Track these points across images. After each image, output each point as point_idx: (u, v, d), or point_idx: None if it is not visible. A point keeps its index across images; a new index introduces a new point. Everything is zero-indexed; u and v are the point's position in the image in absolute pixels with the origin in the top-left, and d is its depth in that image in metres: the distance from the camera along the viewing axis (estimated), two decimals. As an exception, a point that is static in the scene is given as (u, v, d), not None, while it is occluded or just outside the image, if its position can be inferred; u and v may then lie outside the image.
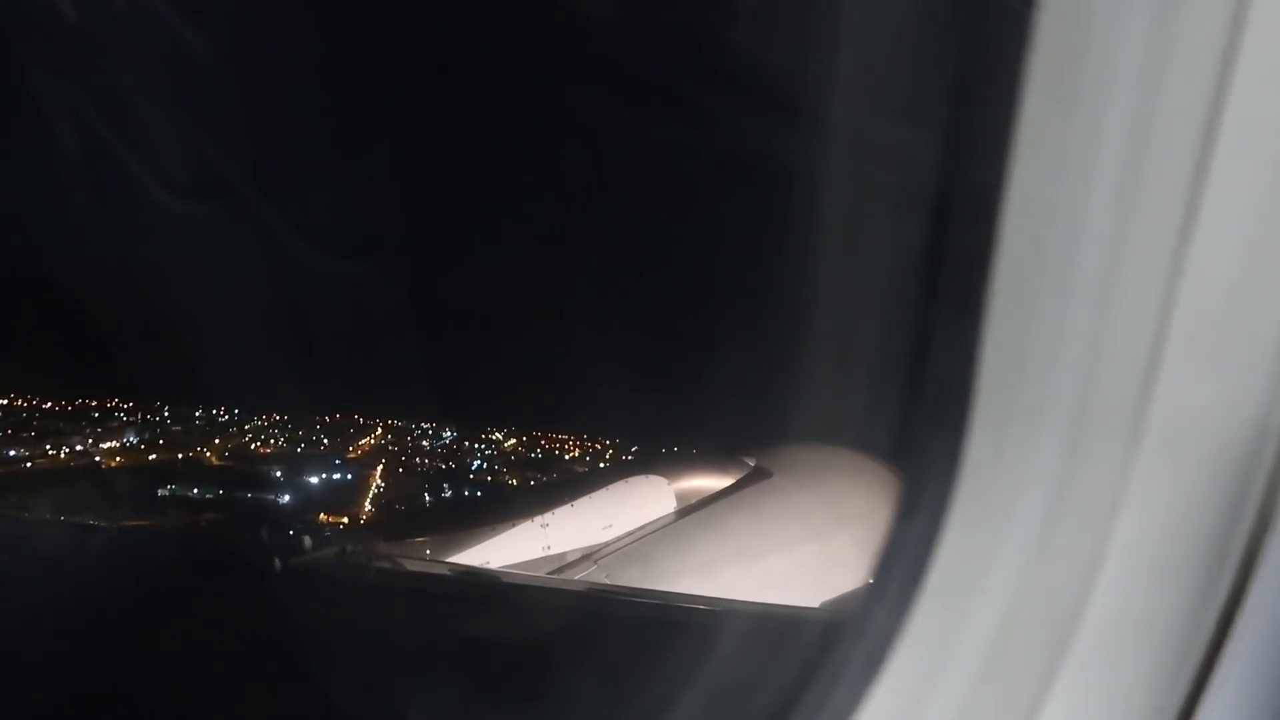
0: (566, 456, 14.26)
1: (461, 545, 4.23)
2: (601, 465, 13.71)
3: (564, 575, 4.34)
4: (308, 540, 3.65)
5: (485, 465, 13.98)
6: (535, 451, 14.23)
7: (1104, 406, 1.06)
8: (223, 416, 13.89)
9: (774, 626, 2.91)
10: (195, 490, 11.20)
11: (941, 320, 1.28)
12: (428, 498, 12.63)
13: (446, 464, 13.98)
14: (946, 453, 1.13)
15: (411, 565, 3.82)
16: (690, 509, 4.81)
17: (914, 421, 1.32)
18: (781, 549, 4.75)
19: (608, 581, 4.28)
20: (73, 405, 13.13)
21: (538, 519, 4.46)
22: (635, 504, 4.71)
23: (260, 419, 13.91)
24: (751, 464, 5.10)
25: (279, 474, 12.40)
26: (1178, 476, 1.03)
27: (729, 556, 4.65)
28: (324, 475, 12.89)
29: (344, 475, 13.09)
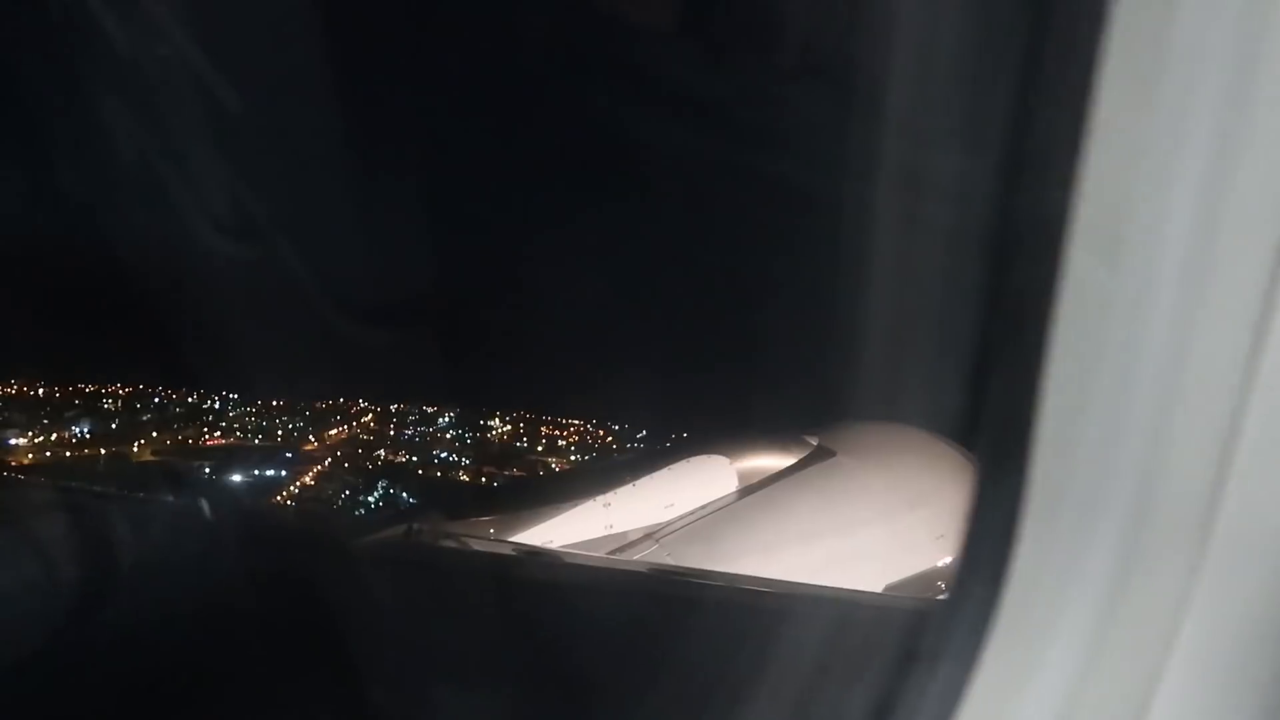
0: (541, 446, 13.91)
1: (525, 524, 4.25)
2: (579, 457, 13.53)
3: (626, 554, 4.34)
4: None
5: (446, 459, 13.77)
6: (520, 442, 13.98)
7: (1168, 504, 0.97)
8: (207, 403, 13.75)
9: (850, 614, 2.86)
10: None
11: (993, 386, 1.19)
12: (344, 496, 12.43)
13: (409, 457, 13.80)
14: (993, 544, 1.06)
15: (477, 545, 3.85)
16: (752, 488, 4.77)
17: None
18: (845, 530, 4.69)
19: (670, 561, 4.27)
20: (57, 391, 12.96)
21: (600, 498, 4.46)
22: (697, 483, 4.69)
23: (246, 407, 13.76)
24: (814, 443, 5.04)
25: (205, 471, 12.03)
26: (1247, 587, 0.94)
27: (791, 536, 4.62)
28: (252, 473, 12.56)
29: (277, 472, 12.80)
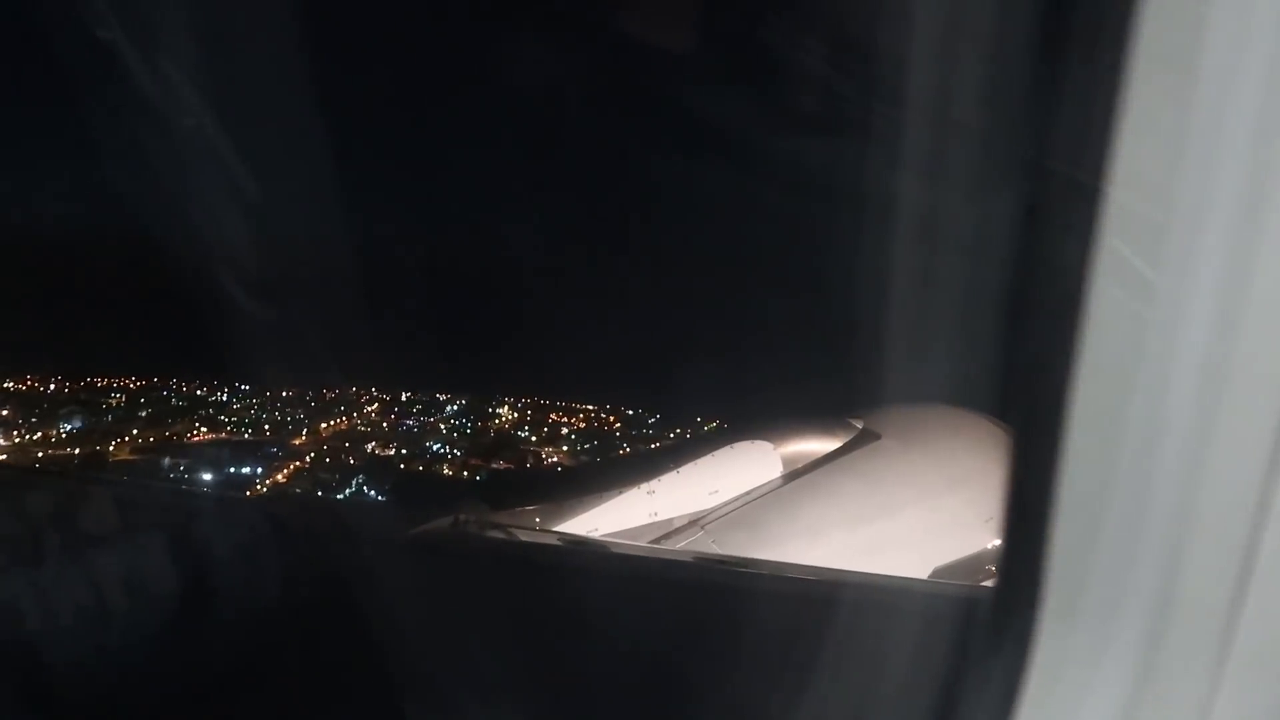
0: (542, 434, 13.58)
1: (570, 513, 4.28)
2: (583, 446, 13.28)
3: (671, 542, 4.36)
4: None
5: (438, 452, 13.53)
6: (522, 429, 13.73)
7: (1187, 613, 0.93)
8: (214, 396, 13.63)
9: (900, 604, 2.84)
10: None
11: (1012, 471, 1.15)
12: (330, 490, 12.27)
13: (398, 450, 13.58)
14: (1010, 647, 1.02)
15: (523, 535, 3.88)
16: (797, 473, 4.76)
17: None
18: (890, 513, 4.66)
19: (715, 548, 4.27)
20: (69, 386, 12.85)
21: (644, 485, 4.48)
22: (741, 469, 4.68)
23: (253, 398, 13.59)
24: (859, 427, 5.00)
25: (179, 470, 11.91)
26: (1267, 703, 0.90)
27: (836, 521, 4.60)
28: (219, 471, 12.34)
29: (251, 470, 12.54)
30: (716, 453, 4.70)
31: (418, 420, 14.14)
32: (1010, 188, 1.27)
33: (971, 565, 4.33)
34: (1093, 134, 0.95)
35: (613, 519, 4.36)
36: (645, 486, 4.47)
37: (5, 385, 12.73)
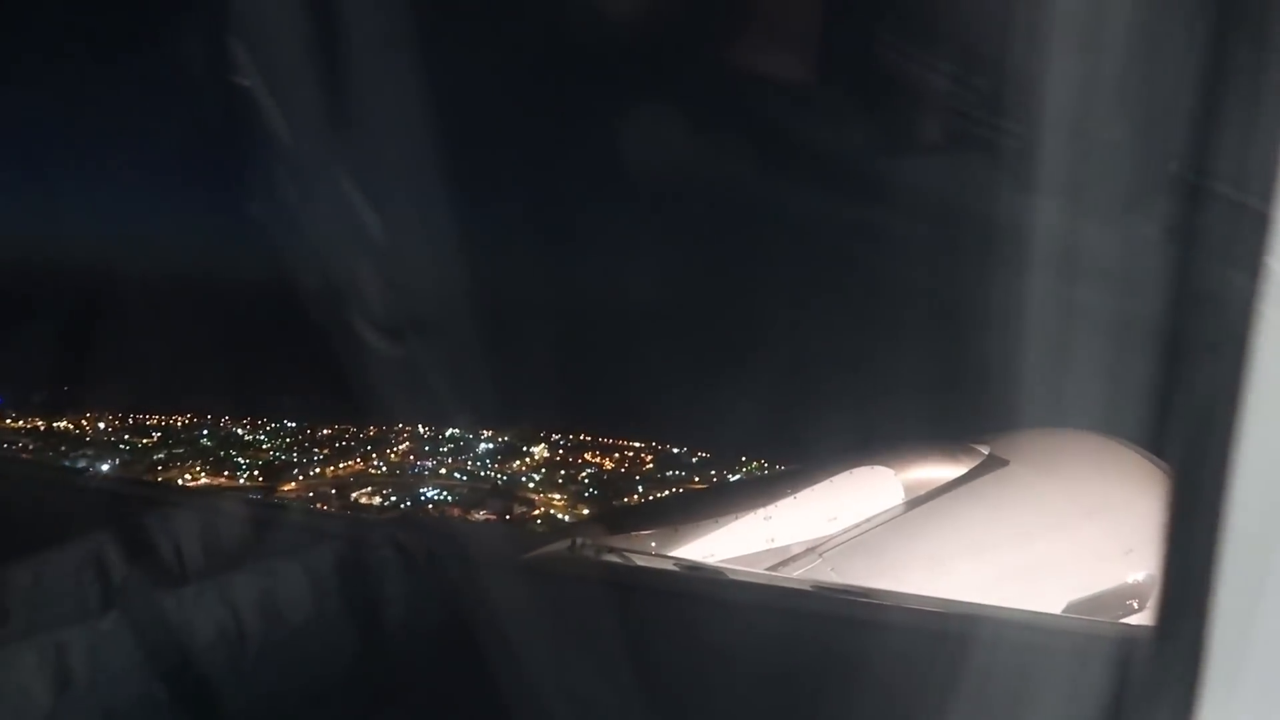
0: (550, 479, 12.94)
1: (685, 538, 4.24)
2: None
3: (789, 569, 4.27)
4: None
5: (424, 499, 12.97)
6: (538, 472, 13.11)
7: None
8: (253, 434, 13.40)
9: (1038, 642, 2.70)
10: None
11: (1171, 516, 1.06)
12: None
13: (385, 498, 13.03)
14: (1168, 707, 0.93)
15: (640, 560, 3.87)
16: (919, 500, 4.60)
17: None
18: (1020, 542, 4.47)
19: (835, 576, 4.17)
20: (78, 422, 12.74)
21: (761, 511, 4.40)
22: (860, 495, 4.56)
23: (286, 437, 13.32)
24: (985, 452, 4.81)
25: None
26: None
27: (962, 549, 4.43)
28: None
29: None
30: (835, 478, 4.59)
31: (439, 461, 13.73)
32: (1165, 210, 1.19)
33: (1110, 600, 4.10)
34: (1258, 153, 0.88)
35: (729, 544, 4.30)
36: (762, 512, 4.40)
37: (38, 425, 12.83)
